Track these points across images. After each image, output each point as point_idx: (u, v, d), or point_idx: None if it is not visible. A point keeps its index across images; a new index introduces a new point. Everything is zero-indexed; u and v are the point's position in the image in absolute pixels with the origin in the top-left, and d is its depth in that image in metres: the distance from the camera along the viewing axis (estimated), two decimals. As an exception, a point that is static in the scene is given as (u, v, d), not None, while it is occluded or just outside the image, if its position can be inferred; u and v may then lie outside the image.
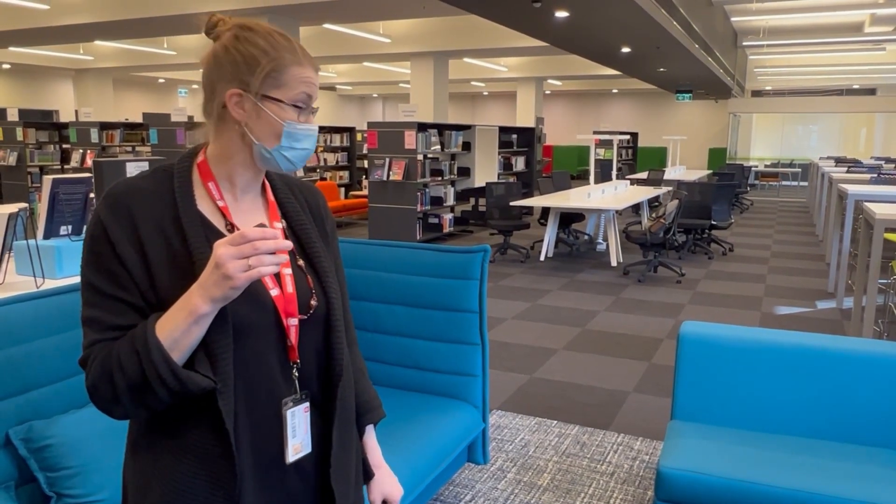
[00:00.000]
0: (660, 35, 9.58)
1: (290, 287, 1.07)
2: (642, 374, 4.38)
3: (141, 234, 0.99)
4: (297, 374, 1.07)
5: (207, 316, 0.94)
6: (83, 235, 2.55)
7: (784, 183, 21.64)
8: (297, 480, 1.08)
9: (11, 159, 12.86)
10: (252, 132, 1.03)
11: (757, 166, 21.12)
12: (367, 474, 1.27)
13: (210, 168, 1.07)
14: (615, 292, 6.65)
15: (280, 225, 1.12)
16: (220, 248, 0.91)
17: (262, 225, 0.94)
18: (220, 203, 1.06)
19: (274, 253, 0.92)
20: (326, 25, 11.53)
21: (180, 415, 1.01)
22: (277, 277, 1.07)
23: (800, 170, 21.13)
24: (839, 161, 13.92)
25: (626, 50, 11.29)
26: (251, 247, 0.91)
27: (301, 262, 1.12)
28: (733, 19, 15.19)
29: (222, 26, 1.06)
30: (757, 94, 23.34)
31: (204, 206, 1.05)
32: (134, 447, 1.07)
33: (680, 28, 9.78)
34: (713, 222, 8.70)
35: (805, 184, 21.27)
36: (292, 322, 1.06)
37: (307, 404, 1.08)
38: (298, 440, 1.07)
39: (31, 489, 1.81)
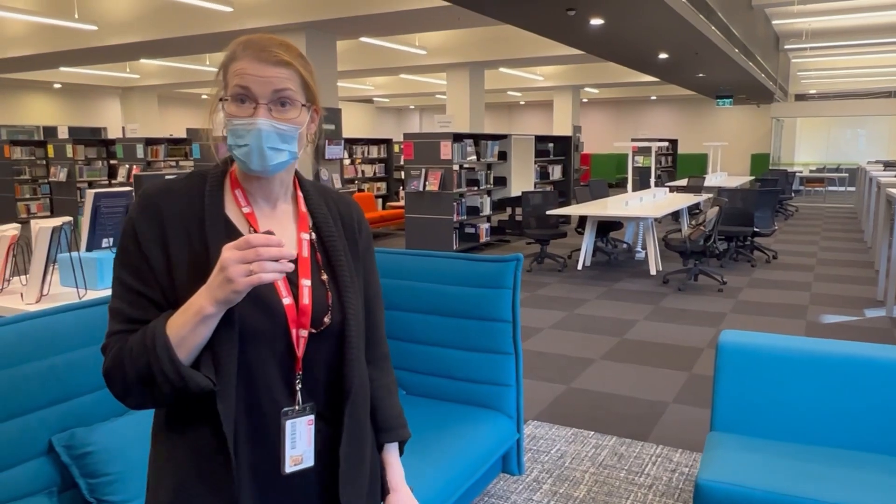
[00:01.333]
0: (698, 40, 9.44)
1: (306, 299, 1.07)
2: (682, 385, 4.29)
3: (167, 233, 1.02)
4: (300, 385, 1.07)
5: (213, 317, 0.96)
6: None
7: (830, 188, 21.07)
8: (300, 494, 1.08)
9: (62, 175, 13.30)
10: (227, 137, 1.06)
11: (802, 171, 20.62)
12: (384, 492, 1.24)
13: (237, 177, 1.10)
14: (654, 301, 6.54)
15: (307, 236, 1.12)
16: (226, 252, 0.94)
17: (269, 232, 0.95)
18: (246, 210, 1.08)
19: (278, 261, 0.94)
20: (363, 39, 11.67)
21: (189, 414, 1.04)
22: (294, 287, 1.07)
23: (847, 175, 20.56)
24: (888, 165, 13.50)
25: (663, 56, 11.16)
26: (254, 252, 0.92)
27: (325, 277, 1.11)
28: (774, 22, 14.90)
29: None
30: (801, 97, 22.80)
31: (231, 212, 1.07)
32: (154, 441, 1.11)
33: (719, 33, 9.63)
34: (756, 229, 8.50)
35: (853, 189, 20.67)
36: (302, 333, 1.06)
37: (311, 417, 1.07)
38: (298, 452, 1.06)
39: (73, 495, 1.86)
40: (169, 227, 1.03)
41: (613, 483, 3.02)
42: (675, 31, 8.79)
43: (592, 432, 3.57)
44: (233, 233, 1.05)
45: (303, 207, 1.14)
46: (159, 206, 1.04)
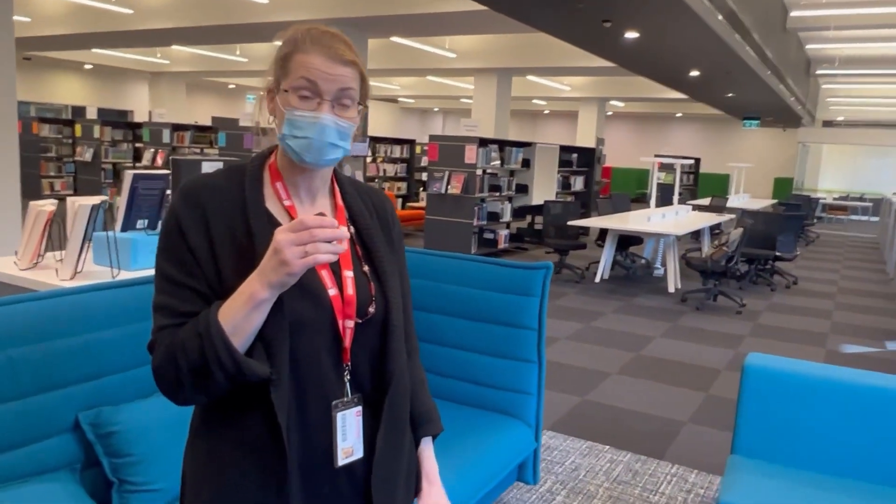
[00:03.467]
0: (731, 59, 9.38)
1: (350, 289, 1.07)
2: (699, 405, 4.25)
3: (211, 225, 1.02)
4: (349, 376, 1.07)
5: (266, 302, 0.96)
6: (159, 230, 2.63)
7: (853, 217, 20.84)
8: (348, 484, 1.08)
9: (87, 155, 13.44)
10: (277, 126, 1.06)
11: (825, 198, 20.42)
12: (419, 487, 1.24)
13: (278, 169, 1.10)
14: (672, 319, 6.49)
15: (346, 229, 1.13)
16: (280, 234, 0.93)
17: (321, 214, 0.95)
18: (287, 203, 1.08)
19: (331, 242, 0.93)
20: (394, 39, 11.70)
21: (238, 405, 1.02)
22: (338, 278, 1.07)
23: (871, 204, 20.33)
24: (915, 197, 13.33)
25: (694, 73, 11.10)
26: (309, 234, 0.92)
27: (365, 268, 1.12)
28: (808, 47, 14.78)
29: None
30: (828, 124, 22.58)
31: (272, 205, 1.08)
32: (195, 436, 1.09)
33: (752, 53, 9.57)
34: (777, 253, 8.42)
35: (876, 219, 20.43)
36: (348, 324, 1.07)
37: (359, 408, 1.08)
38: (349, 444, 1.06)
39: (95, 473, 1.86)
40: (212, 219, 1.03)
41: (628, 499, 2.99)
42: (709, 49, 8.73)
43: (608, 446, 3.54)
44: (275, 225, 1.05)
45: (340, 201, 1.15)
46: (201, 199, 1.04)
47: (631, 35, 7.97)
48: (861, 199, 20.87)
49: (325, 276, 1.06)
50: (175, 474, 1.90)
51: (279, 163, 1.11)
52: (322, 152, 1.03)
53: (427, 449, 1.26)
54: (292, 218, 1.07)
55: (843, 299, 7.99)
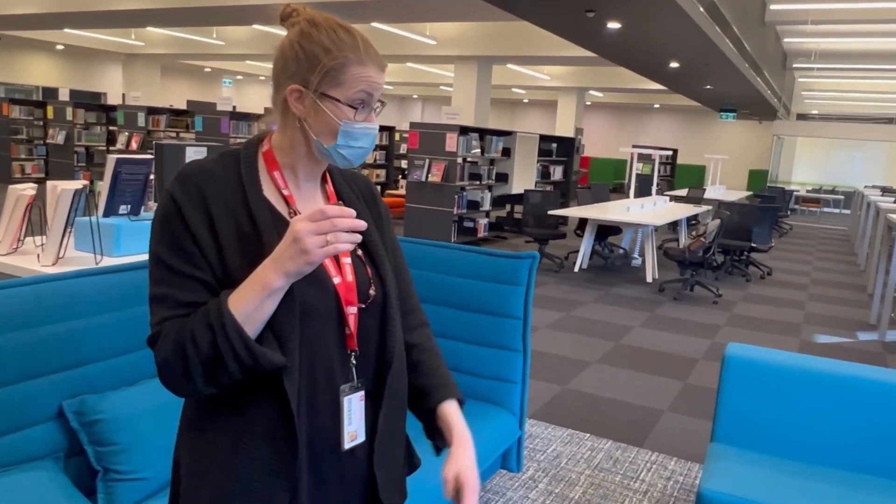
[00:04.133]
0: (710, 51, 9.45)
1: (349, 276, 1.09)
2: (677, 394, 4.31)
3: (213, 213, 1.01)
4: (354, 362, 1.08)
5: (280, 290, 0.96)
6: (142, 216, 2.59)
7: (825, 209, 21.21)
8: (351, 467, 1.09)
9: (60, 138, 13.16)
10: (311, 128, 1.05)
11: (798, 191, 20.74)
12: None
13: (275, 157, 1.09)
14: (650, 308, 6.57)
15: None
16: (300, 224, 0.93)
17: (338, 203, 0.95)
18: (286, 192, 1.08)
19: (349, 232, 0.94)
20: (374, 24, 11.60)
21: (245, 394, 1.02)
22: (338, 266, 1.09)
23: (843, 197, 20.69)
24: (885, 190, 13.60)
25: (674, 65, 11.17)
26: (330, 223, 0.93)
27: (360, 252, 1.13)
28: (785, 40, 14.95)
29: (295, 17, 1.07)
30: (802, 117, 22.91)
31: (269, 193, 1.07)
32: (191, 426, 1.07)
33: (731, 45, 9.65)
34: (753, 244, 8.55)
35: (847, 211, 20.82)
36: (351, 310, 1.08)
37: (362, 392, 1.09)
38: (354, 427, 1.08)
39: (80, 461, 1.84)
40: (214, 207, 1.01)
41: (609, 486, 3.03)
42: (689, 41, 8.79)
43: (588, 434, 3.58)
44: (275, 214, 1.05)
45: (331, 187, 1.16)
46: (201, 186, 1.02)
47: (613, 25, 7.99)
48: (833, 191, 21.23)
49: (329, 264, 1.07)
50: (162, 462, 1.88)
51: (278, 150, 1.10)
52: (365, 157, 1.10)
53: (454, 409, 1.17)
54: (291, 207, 1.07)
55: (815, 290, 8.14)
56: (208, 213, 1.01)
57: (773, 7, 11.53)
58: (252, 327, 0.96)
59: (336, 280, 1.07)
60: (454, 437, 1.15)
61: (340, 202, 0.98)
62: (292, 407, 1.00)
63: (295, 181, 1.10)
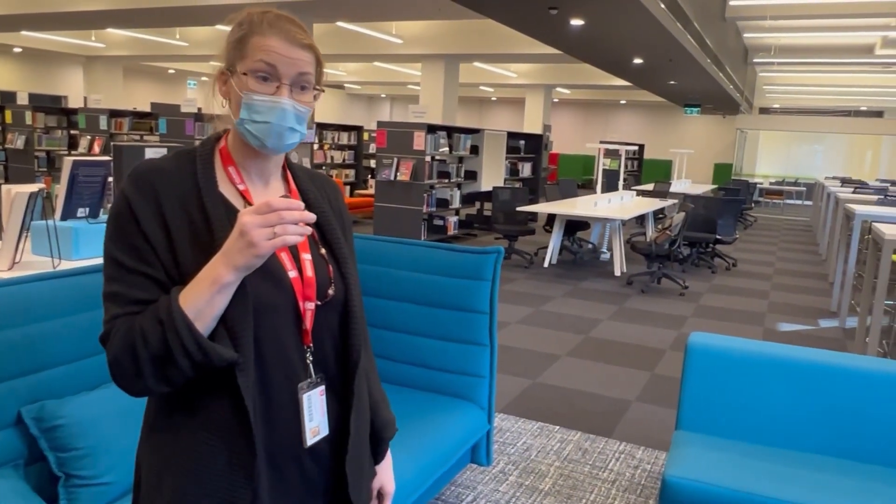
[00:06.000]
0: (673, 47, 9.59)
1: (309, 271, 1.08)
2: (645, 384, 4.37)
3: (164, 210, 1.01)
4: (311, 358, 1.08)
5: (230, 285, 0.96)
6: (101, 218, 2.55)
7: (788, 201, 21.65)
8: (312, 463, 1.09)
9: (19, 143, 12.87)
10: (232, 110, 1.06)
11: (762, 183, 21.14)
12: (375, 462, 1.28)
13: (230, 153, 1.09)
14: (618, 302, 6.65)
15: None
16: (246, 217, 0.93)
17: (286, 196, 0.95)
18: (241, 186, 1.08)
19: (298, 224, 0.94)
20: (340, 23, 11.55)
21: (200, 392, 1.01)
22: (297, 261, 1.08)
23: (804, 189, 21.14)
24: (845, 182, 13.93)
25: (638, 61, 11.31)
26: (277, 216, 0.92)
27: (322, 251, 1.13)
28: (745, 35, 15.22)
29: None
30: (765, 111, 23.37)
31: (225, 189, 1.07)
32: (151, 428, 1.07)
33: (693, 41, 9.80)
34: (718, 237, 8.70)
35: (809, 203, 21.28)
36: (308, 306, 1.07)
37: (322, 388, 1.09)
38: (316, 423, 1.08)
39: (40, 468, 1.81)
40: (166, 204, 1.01)
41: (578, 477, 3.06)
42: (652, 37, 8.91)
43: (558, 427, 3.62)
44: (230, 209, 1.05)
45: (293, 185, 1.16)
46: (153, 183, 1.02)
47: (576, 22, 8.06)
48: (796, 183, 21.68)
49: (285, 258, 1.07)
50: (125, 466, 1.86)
51: (231, 147, 1.10)
52: (282, 137, 1.03)
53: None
54: (248, 202, 1.07)
55: (779, 280, 8.31)
56: (160, 209, 1.01)
57: (732, 3, 11.73)
58: (204, 323, 0.96)
59: (292, 274, 1.06)
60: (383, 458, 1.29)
61: (288, 195, 0.98)
62: (247, 403, 0.99)
63: (251, 177, 1.10)
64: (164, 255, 1.00)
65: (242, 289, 0.98)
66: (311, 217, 0.95)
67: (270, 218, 0.92)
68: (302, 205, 0.95)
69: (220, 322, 0.98)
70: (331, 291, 1.10)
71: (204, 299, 0.95)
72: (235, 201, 1.06)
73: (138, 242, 0.99)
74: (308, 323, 1.07)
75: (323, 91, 1.12)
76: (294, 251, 1.09)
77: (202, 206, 1.02)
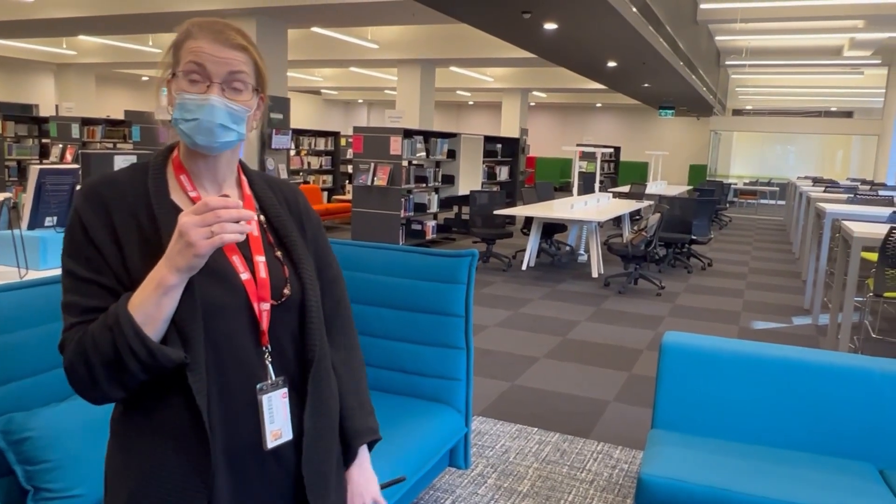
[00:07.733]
0: (646, 51, 9.69)
1: (262, 273, 1.09)
2: (622, 384, 4.40)
3: (114, 220, 1.03)
4: (269, 359, 1.08)
5: (175, 287, 0.97)
6: (69, 227, 2.52)
7: (762, 201, 21.95)
8: (276, 466, 1.08)
9: (-11, 152, 12.63)
10: (172, 114, 1.07)
11: (736, 184, 21.41)
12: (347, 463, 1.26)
13: (182, 162, 1.11)
14: (596, 303, 6.69)
15: (256, 217, 1.15)
16: (184, 217, 0.95)
17: (226, 195, 0.96)
18: (193, 194, 1.09)
19: (238, 222, 0.95)
20: (315, 29, 11.51)
21: (155, 395, 1.02)
22: (250, 263, 1.09)
23: (777, 189, 21.45)
24: (816, 181, 14.16)
25: (612, 64, 11.41)
26: (213, 215, 0.94)
27: (278, 253, 1.14)
28: (717, 38, 15.43)
29: None
30: (738, 112, 23.69)
31: (177, 197, 1.09)
32: (113, 433, 1.09)
33: (666, 45, 9.91)
34: (693, 237, 8.79)
35: (782, 202, 21.59)
36: (264, 307, 1.08)
37: (284, 390, 1.09)
38: (277, 426, 1.07)
39: (8, 482, 1.78)
40: (116, 214, 1.03)
41: (556, 478, 3.08)
42: (625, 41, 9.00)
43: (536, 429, 3.63)
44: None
45: (248, 191, 1.17)
46: (103, 194, 1.04)
47: (550, 26, 8.12)
48: (769, 183, 21.99)
49: (237, 261, 1.08)
50: (96, 478, 1.83)
51: (182, 155, 1.12)
52: (213, 134, 1.04)
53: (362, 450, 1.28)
54: None
55: (753, 279, 8.42)
56: (110, 219, 1.03)
57: (703, 6, 11.89)
58: (154, 327, 0.97)
59: (244, 276, 1.07)
60: (356, 464, 1.25)
61: (227, 195, 0.98)
62: (199, 404, 1.00)
63: (203, 184, 1.11)
64: (116, 264, 1.02)
65: (190, 290, 1.00)
66: (250, 215, 0.96)
67: (207, 217, 0.94)
68: (239, 203, 0.96)
69: (171, 326, 0.99)
70: (286, 291, 1.11)
71: (151, 303, 0.96)
72: (187, 208, 1.07)
73: (90, 253, 1.02)
74: (264, 324, 1.08)
75: (264, 94, 1.12)
76: (247, 254, 1.10)
77: (152, 214, 1.04)
